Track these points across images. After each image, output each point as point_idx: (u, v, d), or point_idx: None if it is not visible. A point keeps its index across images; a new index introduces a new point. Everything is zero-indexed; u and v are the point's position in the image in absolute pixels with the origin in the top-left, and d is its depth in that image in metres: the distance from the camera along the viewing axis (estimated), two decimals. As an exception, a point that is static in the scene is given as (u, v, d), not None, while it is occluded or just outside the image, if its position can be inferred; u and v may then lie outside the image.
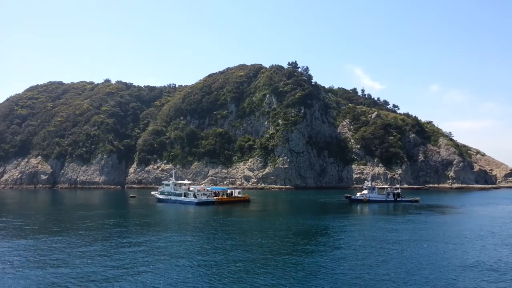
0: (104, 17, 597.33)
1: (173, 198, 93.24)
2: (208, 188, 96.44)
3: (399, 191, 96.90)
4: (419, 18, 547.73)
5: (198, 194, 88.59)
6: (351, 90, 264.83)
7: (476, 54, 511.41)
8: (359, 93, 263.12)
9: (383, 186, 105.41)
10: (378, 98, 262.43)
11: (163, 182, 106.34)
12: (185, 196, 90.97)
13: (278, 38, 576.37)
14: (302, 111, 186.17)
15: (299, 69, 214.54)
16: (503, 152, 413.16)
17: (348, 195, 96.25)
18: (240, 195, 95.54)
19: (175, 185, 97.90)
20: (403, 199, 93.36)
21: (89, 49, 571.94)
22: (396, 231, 50.66)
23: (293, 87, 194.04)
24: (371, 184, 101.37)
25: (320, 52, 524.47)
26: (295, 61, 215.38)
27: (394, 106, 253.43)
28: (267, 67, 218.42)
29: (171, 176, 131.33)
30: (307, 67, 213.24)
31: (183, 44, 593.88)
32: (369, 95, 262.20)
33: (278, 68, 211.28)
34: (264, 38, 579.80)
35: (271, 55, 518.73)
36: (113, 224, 56.77)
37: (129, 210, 79.99)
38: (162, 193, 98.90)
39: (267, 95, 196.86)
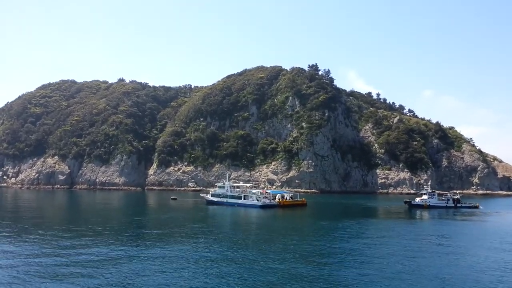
0: (114, 15, 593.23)
1: (230, 200, 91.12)
2: (269, 191, 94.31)
3: (458, 196, 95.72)
4: (413, 23, 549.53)
5: (260, 197, 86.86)
6: (366, 93, 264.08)
7: (469, 60, 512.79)
8: (374, 97, 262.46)
9: (441, 192, 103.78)
10: (393, 103, 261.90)
11: (216, 184, 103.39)
12: (244, 198, 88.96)
13: (267, 39, 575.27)
14: (326, 114, 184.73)
15: (320, 72, 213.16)
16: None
17: (408, 200, 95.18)
18: (298, 199, 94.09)
19: (232, 187, 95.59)
20: (463, 205, 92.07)
21: (99, 48, 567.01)
22: None
23: (316, 90, 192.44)
24: (430, 189, 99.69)
25: (314, 55, 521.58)
26: (316, 63, 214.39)
27: (410, 110, 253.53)
28: (288, 69, 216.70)
29: (223, 178, 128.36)
30: (328, 70, 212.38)
31: (196, 44, 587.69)
32: (385, 99, 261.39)
33: (299, 71, 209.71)
34: (256, 40, 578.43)
35: (262, 56, 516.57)
36: (198, 231, 54.33)
37: (192, 214, 77.98)
38: (215, 195, 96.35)
39: (290, 98, 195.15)
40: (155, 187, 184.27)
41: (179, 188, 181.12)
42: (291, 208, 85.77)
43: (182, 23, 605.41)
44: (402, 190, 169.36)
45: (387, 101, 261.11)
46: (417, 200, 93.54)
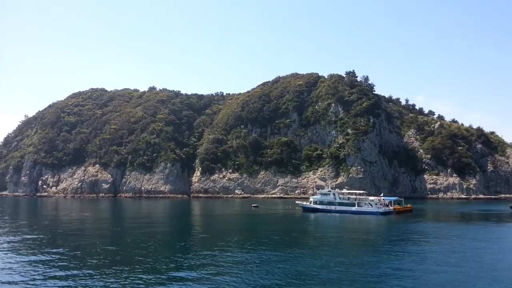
0: (137, 24, 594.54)
1: (339, 208, 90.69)
2: (383, 198, 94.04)
3: None
4: (404, 30, 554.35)
5: (378, 204, 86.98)
6: (394, 99, 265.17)
7: (460, 65, 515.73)
8: (403, 102, 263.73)
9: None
10: (422, 108, 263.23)
11: (318, 191, 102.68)
12: (358, 205, 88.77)
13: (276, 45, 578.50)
14: (371, 120, 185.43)
15: (358, 78, 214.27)
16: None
17: None
18: (404, 205, 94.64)
19: (339, 194, 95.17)
20: None
21: (126, 56, 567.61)
22: None
23: (358, 97, 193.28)
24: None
25: (301, 60, 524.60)
26: (353, 70, 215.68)
27: (440, 117, 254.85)
28: (325, 76, 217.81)
29: (321, 186, 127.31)
30: (367, 77, 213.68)
31: (223, 52, 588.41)
32: (413, 105, 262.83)
33: (339, 77, 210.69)
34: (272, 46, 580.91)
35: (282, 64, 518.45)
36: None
37: (312, 224, 74.74)
38: (318, 202, 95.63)
39: (332, 104, 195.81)
40: (200, 195, 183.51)
41: (225, 195, 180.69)
42: (404, 214, 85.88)
43: (205, 32, 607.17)
44: (453, 195, 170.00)
45: (416, 107, 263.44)
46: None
